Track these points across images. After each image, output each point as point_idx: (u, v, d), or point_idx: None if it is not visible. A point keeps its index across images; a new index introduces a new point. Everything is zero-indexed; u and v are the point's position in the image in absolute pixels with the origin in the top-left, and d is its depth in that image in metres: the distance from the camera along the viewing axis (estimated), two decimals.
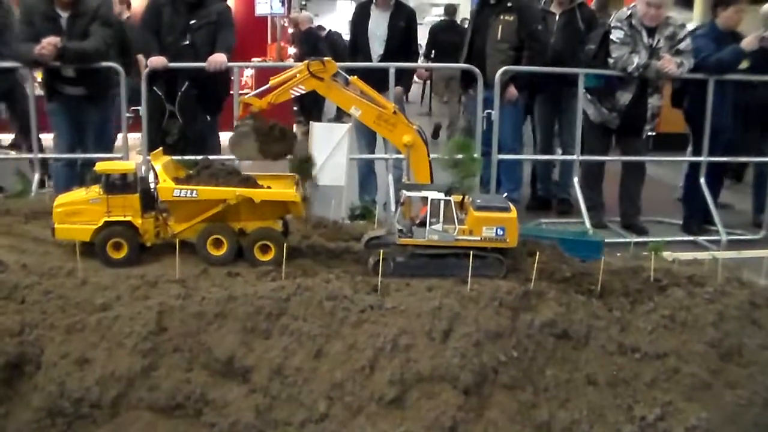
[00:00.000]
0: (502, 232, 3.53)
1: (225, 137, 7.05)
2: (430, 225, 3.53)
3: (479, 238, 3.53)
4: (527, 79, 7.37)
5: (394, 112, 3.78)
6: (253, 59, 11.89)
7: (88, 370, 3.02)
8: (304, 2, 20.22)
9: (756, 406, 3.00)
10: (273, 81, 3.82)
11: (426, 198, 3.54)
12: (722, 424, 2.95)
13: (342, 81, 3.89)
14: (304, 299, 3.21)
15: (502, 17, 7.27)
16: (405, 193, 3.62)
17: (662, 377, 3.11)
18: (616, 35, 6.69)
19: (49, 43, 6.02)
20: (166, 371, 3.05)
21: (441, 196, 3.53)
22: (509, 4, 7.25)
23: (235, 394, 3.01)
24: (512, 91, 7.21)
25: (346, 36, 14.27)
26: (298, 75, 3.77)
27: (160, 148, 3.91)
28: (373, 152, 7.63)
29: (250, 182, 3.65)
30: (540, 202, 8.33)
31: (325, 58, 3.79)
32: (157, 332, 3.11)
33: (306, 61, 3.78)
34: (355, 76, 3.95)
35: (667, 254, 4.18)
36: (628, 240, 6.05)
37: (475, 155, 3.79)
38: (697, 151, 7.23)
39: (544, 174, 8.46)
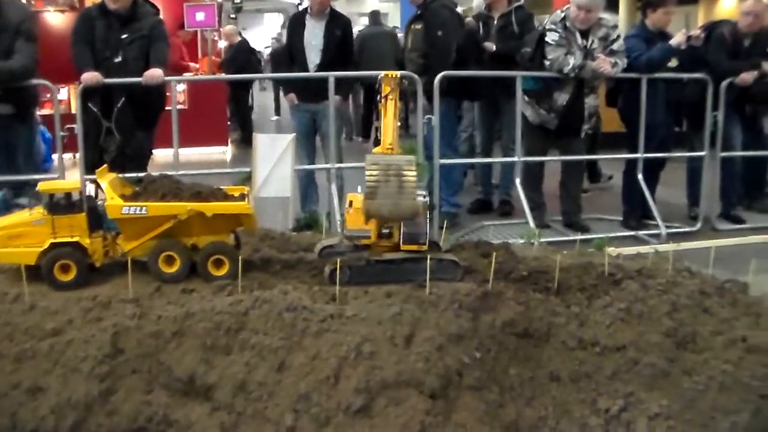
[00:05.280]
0: None
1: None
2: None
3: None
4: (456, 85, 7.39)
5: None
6: (185, 73, 11.74)
7: (42, 399, 2.91)
8: (233, 16, 20.02)
9: (712, 390, 3.06)
10: None
11: None
12: (683, 411, 2.99)
13: None
14: (263, 312, 3.16)
15: (412, 26, 7.49)
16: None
17: (623, 369, 3.15)
18: (551, 37, 6.79)
19: None
20: (125, 394, 2.96)
21: None
22: (418, 13, 7.40)
23: (198, 413, 2.93)
24: None
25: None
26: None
27: (105, 165, 3.80)
28: (313, 162, 7.59)
29: (201, 196, 3.57)
30: (481, 205, 8.41)
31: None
32: (113, 355, 3.02)
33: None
34: None
35: (611, 250, 4.24)
36: (572, 238, 6.13)
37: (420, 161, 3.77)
38: (633, 148, 7.40)
39: (484, 177, 8.56)
